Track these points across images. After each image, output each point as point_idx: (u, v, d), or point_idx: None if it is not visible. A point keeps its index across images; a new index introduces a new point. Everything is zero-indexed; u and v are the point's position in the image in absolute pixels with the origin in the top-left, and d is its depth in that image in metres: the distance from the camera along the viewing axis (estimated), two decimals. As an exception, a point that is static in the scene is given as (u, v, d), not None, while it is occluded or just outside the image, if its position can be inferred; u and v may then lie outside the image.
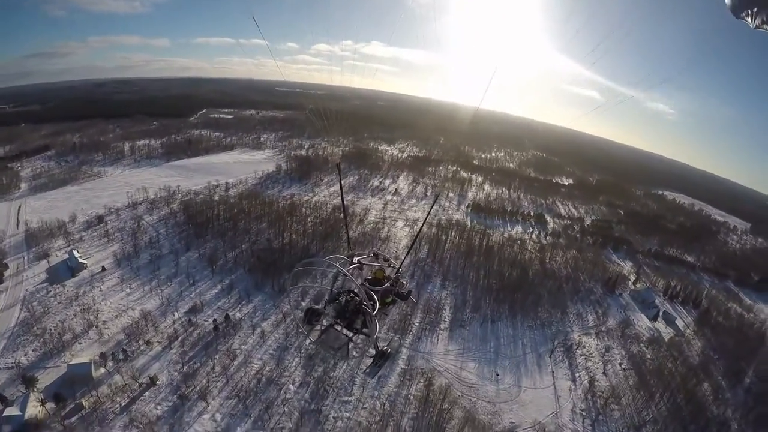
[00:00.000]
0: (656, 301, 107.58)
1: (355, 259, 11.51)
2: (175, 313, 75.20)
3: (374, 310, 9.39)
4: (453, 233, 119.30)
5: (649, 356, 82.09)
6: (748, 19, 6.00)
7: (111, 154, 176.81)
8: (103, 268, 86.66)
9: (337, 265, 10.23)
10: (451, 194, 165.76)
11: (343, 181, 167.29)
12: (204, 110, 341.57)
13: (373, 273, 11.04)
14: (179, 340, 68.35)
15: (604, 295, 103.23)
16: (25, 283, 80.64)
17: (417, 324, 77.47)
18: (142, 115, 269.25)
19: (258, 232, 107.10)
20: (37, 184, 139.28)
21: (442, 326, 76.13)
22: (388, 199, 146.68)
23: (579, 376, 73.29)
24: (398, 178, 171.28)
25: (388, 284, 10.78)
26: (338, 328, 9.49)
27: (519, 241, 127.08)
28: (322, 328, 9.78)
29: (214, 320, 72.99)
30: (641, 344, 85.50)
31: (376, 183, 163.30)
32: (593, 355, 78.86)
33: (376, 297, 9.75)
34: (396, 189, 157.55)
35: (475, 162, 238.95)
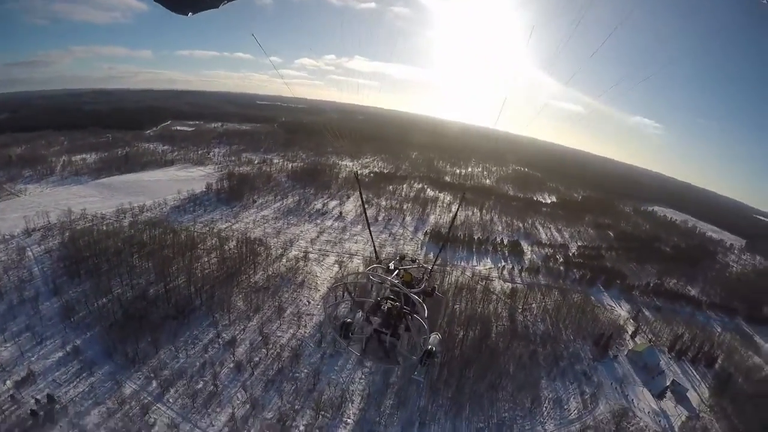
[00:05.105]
0: (661, 363, 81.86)
1: (391, 265, 10.37)
2: (7, 382, 51.89)
3: (425, 312, 8.68)
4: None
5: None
6: None
7: (41, 170, 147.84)
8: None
9: (380, 273, 9.75)
10: (408, 218, 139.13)
11: (278, 204, 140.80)
12: (168, 122, 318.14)
13: (402, 277, 9.85)
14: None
15: (594, 362, 76.26)
16: None
17: (302, 428, 49.50)
18: (98, 127, 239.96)
19: (142, 273, 79.10)
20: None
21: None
22: (326, 226, 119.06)
23: None
24: (348, 199, 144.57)
25: (425, 285, 9.76)
26: (383, 337, 8.55)
27: (485, 281, 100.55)
28: (365, 338, 8.72)
29: (36, 401, 50.04)
30: (645, 446, 58.61)
31: (319, 205, 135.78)
32: (575, 482, 51.23)
33: (419, 299, 8.85)
34: (341, 212, 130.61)
35: (446, 178, 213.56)
